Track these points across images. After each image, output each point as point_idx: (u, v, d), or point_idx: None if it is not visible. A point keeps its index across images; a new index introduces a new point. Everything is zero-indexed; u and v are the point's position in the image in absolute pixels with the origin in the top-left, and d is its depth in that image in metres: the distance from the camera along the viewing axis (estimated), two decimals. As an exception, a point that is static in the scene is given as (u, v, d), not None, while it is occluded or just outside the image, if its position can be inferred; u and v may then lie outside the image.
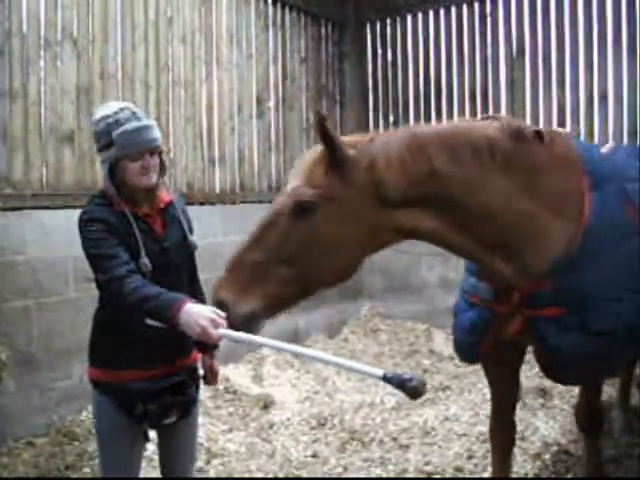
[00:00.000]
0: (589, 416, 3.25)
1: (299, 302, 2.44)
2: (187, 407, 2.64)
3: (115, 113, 2.50)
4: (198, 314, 2.22)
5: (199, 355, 2.81)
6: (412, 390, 2.09)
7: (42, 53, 4.79)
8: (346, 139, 2.43)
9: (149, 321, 2.35)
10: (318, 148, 2.41)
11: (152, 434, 2.69)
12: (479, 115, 7.01)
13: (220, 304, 2.30)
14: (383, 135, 2.50)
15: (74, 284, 4.74)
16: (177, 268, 2.63)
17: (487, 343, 2.82)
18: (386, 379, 2.09)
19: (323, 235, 2.33)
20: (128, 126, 2.47)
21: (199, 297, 2.77)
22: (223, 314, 2.29)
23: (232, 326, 2.26)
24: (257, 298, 2.31)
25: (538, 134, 2.59)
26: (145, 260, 2.47)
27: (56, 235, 4.68)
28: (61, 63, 4.91)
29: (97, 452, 4.06)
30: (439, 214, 2.42)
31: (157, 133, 2.54)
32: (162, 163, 2.61)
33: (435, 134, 2.48)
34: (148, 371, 2.54)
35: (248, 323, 2.30)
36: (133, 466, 2.64)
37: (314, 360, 2.54)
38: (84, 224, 2.47)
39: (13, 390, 4.38)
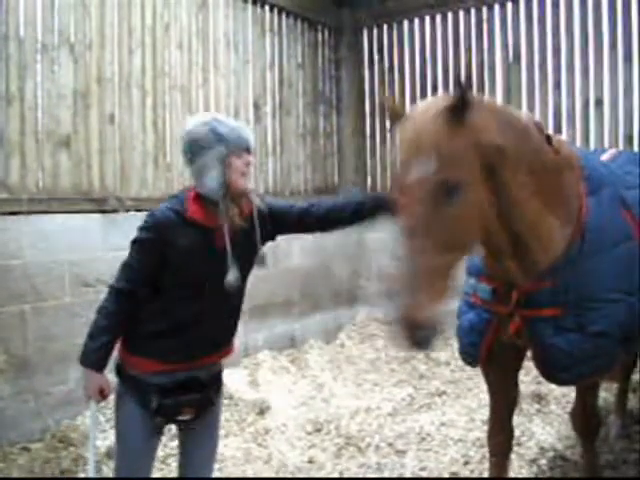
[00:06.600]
0: (585, 419, 3.25)
1: None
2: (202, 406, 2.63)
3: (213, 118, 2.53)
4: (87, 380, 2.54)
5: (230, 353, 2.75)
6: None
7: (39, 57, 4.79)
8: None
9: None
10: (431, 110, 2.23)
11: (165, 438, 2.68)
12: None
13: (419, 326, 2.08)
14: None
15: (70, 289, 4.73)
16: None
17: (487, 343, 2.82)
18: None
19: (473, 207, 2.19)
20: (232, 123, 2.54)
21: None
22: (109, 387, 2.55)
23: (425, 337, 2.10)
24: (439, 297, 2.11)
25: (547, 137, 2.65)
26: (231, 276, 2.47)
27: (52, 240, 4.68)
28: (58, 67, 4.91)
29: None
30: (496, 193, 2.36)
31: None
32: None
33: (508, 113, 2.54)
34: (172, 364, 2.53)
35: (435, 327, 2.11)
36: (146, 458, 2.65)
37: None
38: (143, 226, 2.52)
39: (8, 395, 4.37)
